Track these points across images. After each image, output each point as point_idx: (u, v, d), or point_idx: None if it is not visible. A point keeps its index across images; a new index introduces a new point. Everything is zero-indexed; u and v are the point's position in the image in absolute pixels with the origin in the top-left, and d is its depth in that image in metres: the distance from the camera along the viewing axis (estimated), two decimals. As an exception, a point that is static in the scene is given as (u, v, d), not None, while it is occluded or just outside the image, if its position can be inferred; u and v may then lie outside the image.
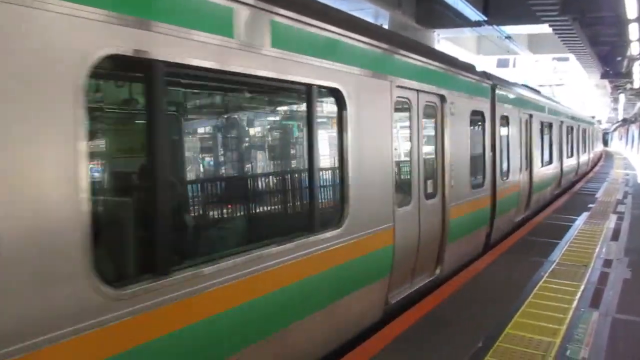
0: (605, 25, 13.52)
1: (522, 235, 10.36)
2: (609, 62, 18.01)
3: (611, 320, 5.72)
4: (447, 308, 6.11)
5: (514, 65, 57.54)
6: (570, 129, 20.05)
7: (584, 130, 25.63)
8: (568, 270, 7.68)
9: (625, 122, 58.54)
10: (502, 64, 52.83)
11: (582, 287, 6.87)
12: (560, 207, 14.42)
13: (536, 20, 17.33)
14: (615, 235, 10.33)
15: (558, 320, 5.62)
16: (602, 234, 10.40)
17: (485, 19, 18.16)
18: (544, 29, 19.43)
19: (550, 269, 7.72)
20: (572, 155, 20.63)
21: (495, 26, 18.70)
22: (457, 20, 19.50)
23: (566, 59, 47.43)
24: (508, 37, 20.12)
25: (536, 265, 7.90)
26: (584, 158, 24.71)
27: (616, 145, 76.68)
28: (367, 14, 18.11)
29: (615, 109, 56.13)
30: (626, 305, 6.18)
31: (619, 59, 17.15)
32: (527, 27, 21.57)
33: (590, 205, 14.52)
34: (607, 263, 8.18)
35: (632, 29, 11.02)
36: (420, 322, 5.63)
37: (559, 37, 16.52)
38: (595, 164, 32.33)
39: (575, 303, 6.21)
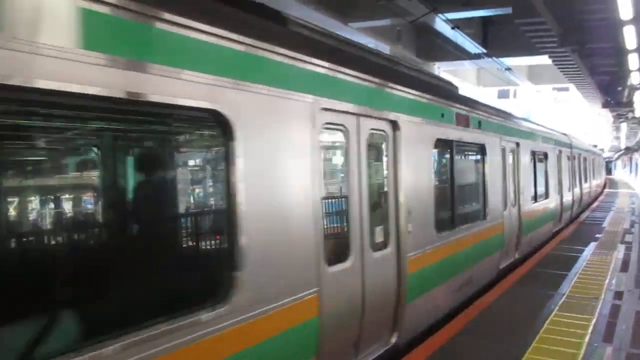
0: (604, 56, 13.66)
1: (530, 267, 10.21)
2: (610, 91, 18.11)
3: (625, 355, 5.57)
4: (457, 343, 5.98)
5: (514, 96, 57.92)
6: (570, 158, 18.67)
7: (585, 159, 23.64)
8: (578, 303, 7.53)
9: (629, 150, 58.59)
10: (503, 95, 53.17)
11: (593, 321, 6.72)
12: (567, 238, 14.28)
13: (535, 52, 17.54)
14: (625, 266, 10.17)
15: (571, 356, 5.48)
16: (611, 265, 10.25)
17: (485, 51, 18.37)
18: (544, 60, 19.64)
19: (561, 302, 7.58)
20: (573, 187, 18.99)
21: (494, 58, 18.89)
22: (457, 53, 19.75)
23: (566, 89, 47.78)
24: (508, 69, 20.31)
25: (546, 298, 7.76)
26: (586, 189, 22.84)
27: (620, 173, 76.57)
28: (368, 48, 18.32)
29: (618, 138, 56.26)
30: (640, 339, 6.04)
31: (620, 88, 17.24)
32: (526, 59, 21.80)
33: (598, 235, 14.37)
34: (618, 295, 8.03)
35: (632, 59, 11.11)
36: (429, 360, 5.50)
37: (558, 68, 16.69)
38: (598, 195, 31.28)
39: (587, 337, 6.06)
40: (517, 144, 11.16)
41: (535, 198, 12.77)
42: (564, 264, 10.36)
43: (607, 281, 8.87)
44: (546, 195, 14.10)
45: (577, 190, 19.77)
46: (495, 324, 6.68)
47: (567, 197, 17.43)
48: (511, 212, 10.48)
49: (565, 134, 19.02)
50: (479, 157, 9.15)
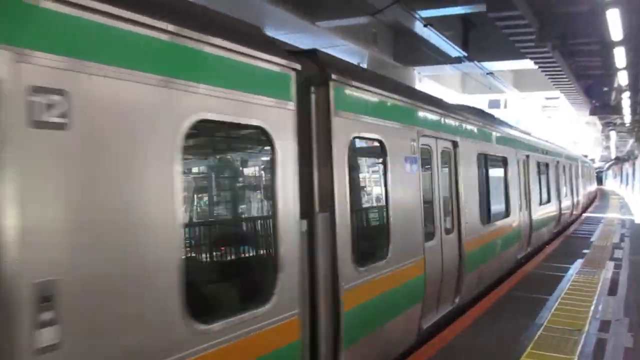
0: (588, 55, 12.64)
1: (506, 291, 9.03)
2: (595, 94, 17.07)
3: (611, 414, 4.39)
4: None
5: (505, 106, 57.34)
6: (547, 167, 16.73)
7: (568, 168, 21.72)
8: (558, 337, 6.35)
9: (619, 160, 57.87)
10: (494, 105, 52.77)
11: (574, 362, 5.55)
12: (552, 253, 13.13)
13: (518, 54, 16.52)
14: (613, 288, 9.03)
15: (541, 418, 4.28)
16: (598, 287, 9.10)
17: (465, 54, 17.31)
18: (529, 64, 18.65)
19: (537, 335, 6.40)
20: (546, 201, 15.98)
21: (476, 62, 17.84)
22: (437, 57, 18.70)
23: (556, 98, 47.07)
24: (490, 74, 19.26)
25: (519, 331, 6.58)
26: (566, 203, 19.85)
27: (611, 183, 75.98)
28: (340, 51, 17.25)
29: (608, 147, 55.56)
30: (630, 390, 4.86)
31: (606, 89, 16.21)
32: (511, 64, 20.79)
33: (585, 251, 13.23)
34: (604, 325, 6.86)
35: (618, 54, 10.00)
36: None
37: (542, 71, 15.65)
38: (586, 208, 29.39)
39: (564, 388, 4.88)
40: (527, 156, 13.14)
41: (540, 202, 14.46)
42: (545, 286, 9.20)
43: (592, 308, 7.70)
44: (548, 199, 15.88)
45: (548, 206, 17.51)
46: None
47: (566, 202, 19.52)
48: (524, 212, 12.36)
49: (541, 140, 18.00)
50: (502, 167, 10.99)
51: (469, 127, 8.63)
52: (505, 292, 8.84)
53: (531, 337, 6.34)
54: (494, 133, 10.22)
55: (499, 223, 10.18)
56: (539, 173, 14.57)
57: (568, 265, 11.20)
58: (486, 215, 9.29)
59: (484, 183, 9.41)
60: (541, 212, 14.28)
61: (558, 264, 11.50)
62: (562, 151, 21.22)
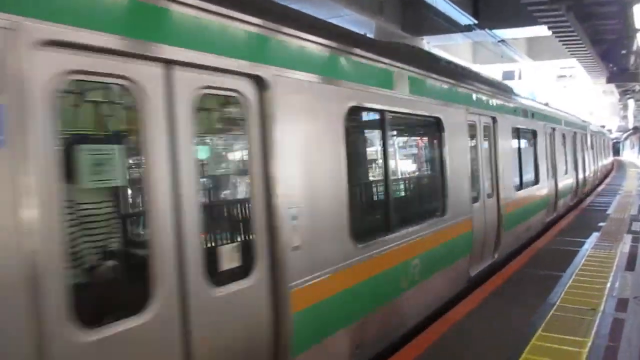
0: (605, 18, 11.88)
1: (518, 267, 8.62)
2: (612, 58, 16.24)
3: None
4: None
5: (519, 77, 56.10)
6: (573, 137, 17.42)
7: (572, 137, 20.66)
8: (571, 317, 5.95)
9: (637, 130, 56.50)
10: (508, 76, 51.67)
11: (588, 345, 5.16)
12: (567, 228, 12.64)
13: (530, 20, 15.76)
14: (631, 263, 8.56)
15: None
16: (615, 262, 8.64)
17: (476, 22, 16.60)
18: (542, 31, 17.85)
19: (549, 316, 6.00)
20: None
21: (487, 30, 17.12)
22: (446, 25, 17.99)
23: (571, 67, 45.71)
24: (502, 41, 18.51)
25: (530, 312, 6.18)
26: (586, 173, 20.64)
27: (628, 154, 74.51)
28: (345, 21, 16.64)
29: (625, 117, 54.20)
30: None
31: (624, 52, 15.40)
32: (524, 31, 19.96)
33: (601, 224, 12.71)
34: (622, 304, 6.43)
35: (638, 12, 9.30)
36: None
37: (556, 37, 14.89)
38: (602, 180, 28.60)
39: (577, 375, 4.50)
40: (553, 129, 14.02)
41: (565, 172, 15.59)
42: (559, 262, 8.76)
43: (609, 285, 7.27)
44: (565, 171, 16.24)
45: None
46: (463, 357, 5.12)
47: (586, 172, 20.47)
48: (551, 181, 13.41)
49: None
50: (532, 139, 11.97)
51: (506, 104, 10.02)
52: (515, 271, 8.42)
53: (543, 318, 5.94)
54: (526, 109, 11.38)
55: (530, 189, 11.52)
56: (564, 144, 15.62)
57: (583, 240, 10.73)
58: (519, 183, 10.77)
59: (518, 154, 10.82)
60: (565, 181, 15.46)
61: (573, 237, 11.03)
62: (583, 124, 22.10)
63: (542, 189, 12.58)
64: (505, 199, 9.32)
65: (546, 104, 15.62)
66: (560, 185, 14.53)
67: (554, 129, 14.09)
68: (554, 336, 5.39)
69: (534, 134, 12.06)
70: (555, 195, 13.90)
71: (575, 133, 18.26)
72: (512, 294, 7.04)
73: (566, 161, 15.94)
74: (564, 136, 15.61)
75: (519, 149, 10.90)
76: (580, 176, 18.80)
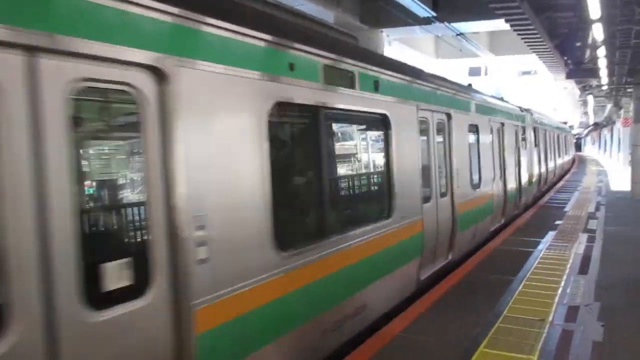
0: (560, 9, 11.56)
1: (469, 270, 8.16)
2: (568, 50, 16.06)
3: None
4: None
5: (485, 74, 56.33)
6: (533, 133, 17.20)
7: (551, 135, 22.69)
8: (517, 330, 5.47)
9: (597, 126, 57.50)
10: (474, 72, 51.76)
11: (533, 363, 4.67)
12: (523, 226, 12.32)
13: (490, 14, 15.39)
14: (584, 266, 8.20)
15: None
16: (568, 265, 8.27)
17: (434, 14, 16.14)
18: (503, 25, 17.54)
19: (493, 329, 5.51)
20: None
21: (446, 23, 16.70)
22: (405, 17, 17.50)
23: (533, 63, 46.00)
24: (460, 34, 18.14)
25: (474, 324, 5.68)
26: (547, 167, 21.05)
27: (589, 150, 76.06)
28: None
29: (586, 113, 55.10)
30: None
31: (579, 44, 15.21)
32: (484, 24, 19.64)
33: (558, 222, 12.45)
34: (572, 313, 6.01)
35: (592, 3, 8.93)
36: None
37: (514, 29, 14.55)
38: (563, 175, 28.94)
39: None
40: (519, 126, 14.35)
41: (526, 168, 15.50)
42: (511, 265, 8.35)
43: (560, 291, 6.85)
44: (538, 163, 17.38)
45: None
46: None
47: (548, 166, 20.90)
48: (510, 178, 12.99)
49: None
50: (492, 135, 11.62)
51: (461, 99, 9.55)
52: (465, 275, 7.96)
53: (486, 331, 5.45)
54: (481, 105, 10.86)
55: (486, 188, 10.88)
56: (523, 140, 15.44)
57: (538, 239, 10.39)
58: (476, 181, 10.24)
59: (473, 151, 10.30)
60: (525, 177, 15.31)
61: (528, 237, 10.69)
62: (548, 121, 22.86)
63: (499, 186, 12.05)
64: (460, 197, 8.90)
65: (501, 99, 15.13)
66: (523, 181, 14.70)
67: (518, 127, 14.23)
68: (497, 353, 4.89)
69: (489, 130, 11.61)
70: (519, 191, 14.12)
71: (543, 130, 18.79)
72: (456, 303, 6.53)
73: (528, 157, 15.80)
74: (523, 132, 15.39)
75: (478, 145, 10.45)
76: (539, 173, 18.54)
